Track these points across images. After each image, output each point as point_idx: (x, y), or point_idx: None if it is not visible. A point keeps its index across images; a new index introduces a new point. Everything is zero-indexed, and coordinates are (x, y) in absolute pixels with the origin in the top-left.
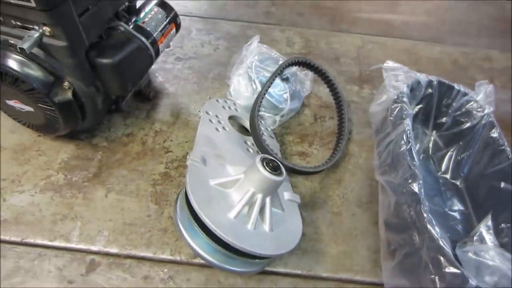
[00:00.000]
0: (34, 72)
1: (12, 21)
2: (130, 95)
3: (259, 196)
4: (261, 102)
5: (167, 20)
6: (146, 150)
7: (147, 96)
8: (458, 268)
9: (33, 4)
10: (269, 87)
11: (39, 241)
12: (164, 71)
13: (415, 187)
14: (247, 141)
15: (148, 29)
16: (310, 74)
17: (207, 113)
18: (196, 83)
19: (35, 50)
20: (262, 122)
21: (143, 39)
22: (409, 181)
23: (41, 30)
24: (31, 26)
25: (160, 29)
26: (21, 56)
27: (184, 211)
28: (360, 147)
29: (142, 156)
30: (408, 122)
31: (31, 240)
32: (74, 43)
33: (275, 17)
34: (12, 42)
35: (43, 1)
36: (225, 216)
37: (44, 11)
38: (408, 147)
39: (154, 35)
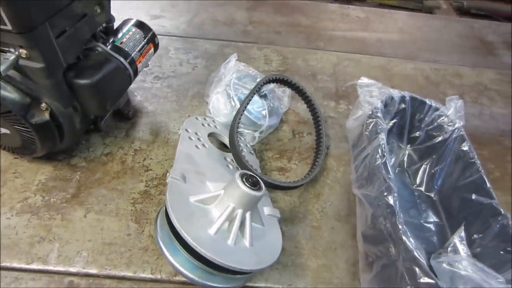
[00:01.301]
0: (10, 94)
1: None
2: (108, 114)
3: (239, 212)
4: (240, 119)
5: (145, 40)
6: (126, 169)
7: (126, 115)
8: (432, 279)
9: (9, 27)
10: (247, 104)
11: (15, 264)
12: (143, 90)
13: (390, 200)
14: (226, 157)
15: (126, 49)
16: (288, 90)
17: (186, 130)
18: (175, 102)
19: (11, 72)
20: (242, 138)
21: (121, 59)
22: (385, 193)
23: (17, 53)
24: (6, 49)
25: (138, 49)
26: None
27: (164, 229)
28: (338, 162)
29: (122, 175)
30: (382, 136)
31: (7, 264)
32: (51, 65)
33: (252, 35)
34: None
35: (19, 24)
36: (206, 232)
37: (21, 34)
38: (383, 160)
39: (132, 55)
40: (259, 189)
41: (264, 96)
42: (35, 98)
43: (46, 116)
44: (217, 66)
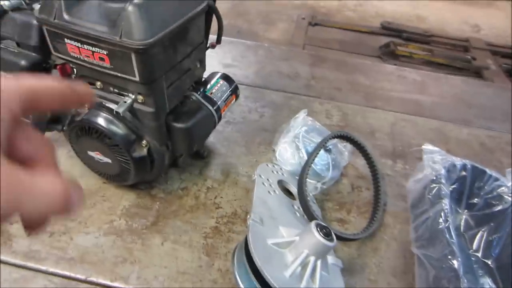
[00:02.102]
0: (120, 130)
1: (111, 88)
2: None
3: (312, 259)
4: (308, 170)
5: (230, 91)
6: (199, 204)
7: (201, 155)
8: None
9: (136, 79)
10: (316, 156)
11: (101, 280)
12: (215, 133)
13: (455, 263)
14: (294, 204)
15: (214, 99)
16: (349, 146)
17: (260, 176)
18: (244, 146)
19: (125, 113)
20: (305, 188)
21: (211, 107)
22: (449, 257)
23: (134, 97)
24: (126, 94)
25: (223, 98)
26: (111, 116)
27: (242, 265)
28: (394, 219)
29: (195, 209)
30: (446, 201)
31: (94, 279)
32: (159, 110)
33: (315, 90)
34: (105, 104)
35: (146, 77)
36: (282, 273)
37: (144, 84)
38: (447, 225)
39: (219, 104)
40: (331, 239)
41: (328, 150)
42: (138, 135)
43: (145, 151)
44: (283, 116)
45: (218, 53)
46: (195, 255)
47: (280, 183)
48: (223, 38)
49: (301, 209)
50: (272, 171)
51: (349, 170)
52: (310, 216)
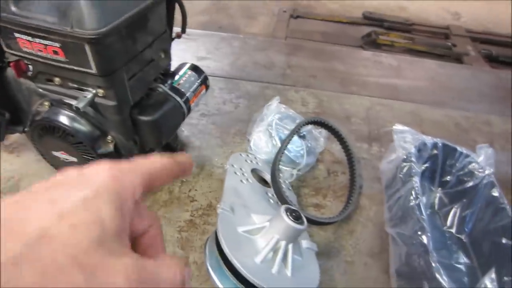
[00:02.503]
0: (83, 127)
1: (69, 83)
2: (159, 148)
3: (282, 243)
4: (281, 157)
5: (199, 82)
6: (173, 199)
7: (174, 149)
8: None
9: (93, 71)
10: (288, 143)
11: None
12: (190, 126)
13: (424, 239)
14: (268, 192)
15: (182, 90)
16: (324, 131)
17: (232, 165)
18: (219, 138)
19: (86, 108)
20: (281, 175)
21: (178, 99)
22: (419, 233)
23: (94, 91)
24: (85, 88)
25: (192, 89)
26: (72, 113)
27: (214, 256)
28: (370, 201)
29: (169, 204)
30: (416, 179)
31: None
32: (122, 103)
33: (290, 78)
34: (66, 101)
35: (103, 69)
36: (252, 260)
37: (102, 77)
38: (417, 202)
39: (187, 95)
40: (302, 223)
41: (303, 137)
42: (103, 131)
43: (111, 147)
44: (258, 106)
45: (192, 46)
46: (169, 249)
47: (255, 171)
48: (197, 31)
49: (275, 196)
50: (246, 160)
51: (325, 156)
52: (284, 202)
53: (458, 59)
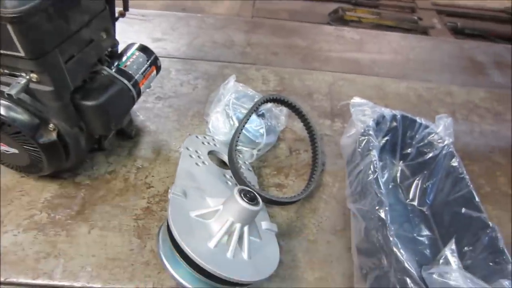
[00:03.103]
0: (20, 116)
1: (0, 69)
2: (112, 134)
3: (237, 226)
4: (238, 137)
5: (148, 63)
6: (129, 186)
7: (129, 135)
8: None
9: (22, 54)
10: (245, 123)
11: (22, 280)
12: (145, 110)
13: (382, 213)
14: (226, 174)
15: (130, 72)
16: (285, 109)
17: (187, 148)
18: (176, 121)
19: (21, 95)
20: (240, 156)
21: (125, 81)
22: (377, 207)
23: (28, 77)
24: (18, 74)
25: (141, 71)
26: (7, 101)
27: (166, 243)
28: (333, 178)
29: (125, 192)
30: (374, 153)
31: (13, 279)
32: (60, 88)
33: (250, 57)
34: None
35: (31, 51)
36: (205, 245)
37: (32, 60)
38: (375, 176)
39: (136, 77)
40: (257, 204)
41: (261, 115)
42: (43, 119)
43: (54, 136)
44: (217, 87)
45: (147, 27)
46: (125, 239)
47: (213, 154)
48: (152, 11)
49: (233, 178)
50: (203, 143)
51: (286, 134)
52: (242, 183)
53: (424, 32)
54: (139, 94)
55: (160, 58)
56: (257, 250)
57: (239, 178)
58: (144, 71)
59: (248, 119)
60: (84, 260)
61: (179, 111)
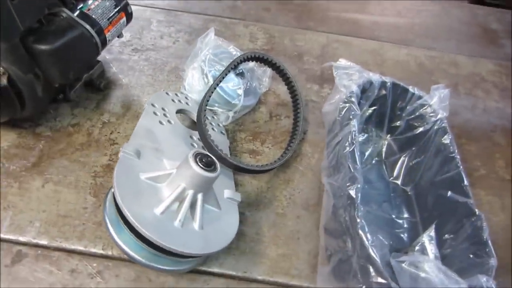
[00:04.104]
0: None
1: None
2: (80, 84)
3: (190, 192)
4: (209, 96)
5: (116, 9)
6: (91, 141)
7: (98, 86)
8: (385, 279)
9: None
10: (220, 81)
11: None
12: (119, 62)
13: (352, 191)
14: (193, 135)
15: (93, 16)
16: (269, 70)
17: (152, 105)
18: (151, 75)
19: None
20: (214, 117)
21: (88, 26)
22: (348, 184)
23: None
24: None
25: (107, 17)
26: None
27: (112, 206)
28: (313, 148)
29: (86, 147)
30: (354, 123)
31: None
32: (5, 28)
33: (240, 11)
34: None
35: None
36: (151, 211)
37: None
38: (351, 148)
39: (101, 23)
40: (213, 170)
41: (240, 74)
42: None
43: (4, 81)
44: None
45: None
46: (80, 196)
47: (184, 113)
48: None
49: (200, 140)
50: (173, 100)
51: (268, 97)
52: (208, 147)
53: None
54: (104, 42)
55: (141, 7)
56: (212, 220)
57: (205, 141)
58: (112, 17)
59: (223, 78)
60: (34, 214)
61: (156, 65)
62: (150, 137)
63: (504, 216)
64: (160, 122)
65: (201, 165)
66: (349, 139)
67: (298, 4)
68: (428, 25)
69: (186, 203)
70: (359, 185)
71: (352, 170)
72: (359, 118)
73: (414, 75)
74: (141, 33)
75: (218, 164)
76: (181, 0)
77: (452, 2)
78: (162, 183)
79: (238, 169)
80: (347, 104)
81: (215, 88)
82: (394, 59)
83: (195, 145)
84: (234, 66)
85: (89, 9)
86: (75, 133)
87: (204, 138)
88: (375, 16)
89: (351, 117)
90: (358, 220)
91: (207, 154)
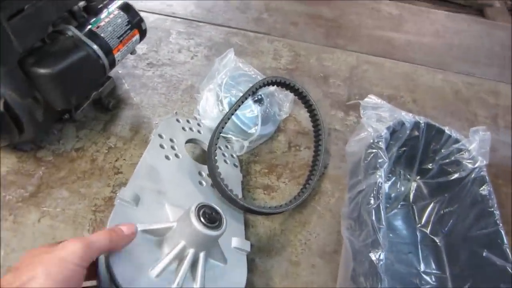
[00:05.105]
0: None
1: None
2: (87, 103)
3: (190, 251)
4: (222, 128)
5: (129, 26)
6: (94, 169)
7: (106, 106)
8: None
9: None
10: (235, 110)
11: None
12: (132, 78)
13: (375, 259)
14: (202, 171)
15: (102, 35)
16: (291, 95)
17: (160, 136)
18: (164, 95)
19: None
20: (228, 147)
21: (95, 47)
22: (370, 249)
23: None
24: None
25: (118, 35)
26: None
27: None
28: (334, 185)
29: (89, 176)
30: (381, 173)
31: None
32: (2, 51)
33: (265, 25)
34: None
35: None
36: (146, 273)
37: None
38: (376, 204)
39: (109, 42)
40: (218, 227)
41: (259, 101)
42: None
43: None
44: None
45: None
46: (78, 233)
47: (194, 142)
48: None
49: (210, 177)
50: (183, 128)
51: (289, 124)
52: (218, 186)
53: (479, 10)
54: (112, 63)
55: (161, 16)
56: (216, 278)
57: (214, 179)
58: (123, 35)
59: (239, 105)
60: None
61: (170, 83)
62: (153, 176)
63: None
64: (167, 157)
65: (204, 221)
66: (374, 192)
67: (327, 19)
68: (468, 47)
69: (186, 265)
70: (383, 253)
71: (376, 231)
72: (387, 167)
73: (449, 104)
74: (159, 46)
75: (224, 219)
76: (204, 10)
77: (495, 23)
78: (160, 237)
79: (250, 211)
80: (374, 150)
81: (228, 119)
82: (428, 85)
83: (203, 183)
84: (252, 93)
85: (98, 27)
86: (78, 158)
87: (214, 176)
88: (410, 35)
89: (378, 166)
90: None
91: (212, 207)
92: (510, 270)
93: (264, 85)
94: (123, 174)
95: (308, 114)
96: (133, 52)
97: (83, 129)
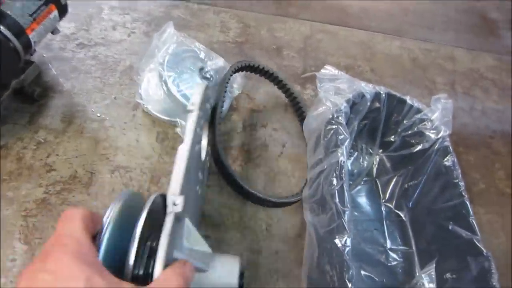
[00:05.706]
0: None
1: None
2: (7, 94)
3: None
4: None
5: (42, 1)
6: (22, 169)
7: (31, 95)
8: None
9: None
10: (222, 106)
11: None
12: (60, 61)
13: (341, 245)
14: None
15: (8, 12)
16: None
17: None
18: (100, 78)
19: None
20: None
21: (1, 27)
22: (335, 235)
23: None
24: None
25: (29, 12)
26: None
27: None
28: (294, 164)
29: (15, 177)
30: (342, 151)
31: None
32: None
33: None
34: None
35: None
36: None
37: None
38: (340, 185)
39: (20, 21)
40: None
41: (206, 78)
42: None
43: None
44: None
45: None
46: (7, 244)
47: None
48: None
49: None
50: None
51: (242, 102)
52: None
53: None
54: (27, 45)
55: None
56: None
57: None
58: (35, 12)
59: (223, 102)
60: None
61: (106, 65)
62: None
63: (505, 237)
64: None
65: None
66: (337, 172)
67: None
68: (424, 13)
69: None
70: (348, 238)
71: (340, 215)
72: (348, 144)
73: (408, 72)
74: (89, 23)
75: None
76: None
77: None
78: None
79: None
80: (334, 126)
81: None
82: (385, 53)
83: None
84: (226, 83)
85: (2, 3)
86: (2, 158)
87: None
88: (365, 2)
89: (339, 143)
90: (349, 286)
91: None
92: (476, 243)
93: (236, 71)
94: (57, 172)
95: (284, 94)
96: (54, 31)
97: (4, 124)
